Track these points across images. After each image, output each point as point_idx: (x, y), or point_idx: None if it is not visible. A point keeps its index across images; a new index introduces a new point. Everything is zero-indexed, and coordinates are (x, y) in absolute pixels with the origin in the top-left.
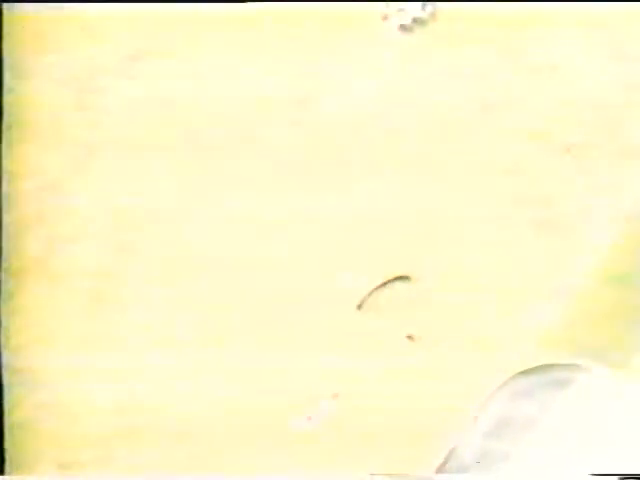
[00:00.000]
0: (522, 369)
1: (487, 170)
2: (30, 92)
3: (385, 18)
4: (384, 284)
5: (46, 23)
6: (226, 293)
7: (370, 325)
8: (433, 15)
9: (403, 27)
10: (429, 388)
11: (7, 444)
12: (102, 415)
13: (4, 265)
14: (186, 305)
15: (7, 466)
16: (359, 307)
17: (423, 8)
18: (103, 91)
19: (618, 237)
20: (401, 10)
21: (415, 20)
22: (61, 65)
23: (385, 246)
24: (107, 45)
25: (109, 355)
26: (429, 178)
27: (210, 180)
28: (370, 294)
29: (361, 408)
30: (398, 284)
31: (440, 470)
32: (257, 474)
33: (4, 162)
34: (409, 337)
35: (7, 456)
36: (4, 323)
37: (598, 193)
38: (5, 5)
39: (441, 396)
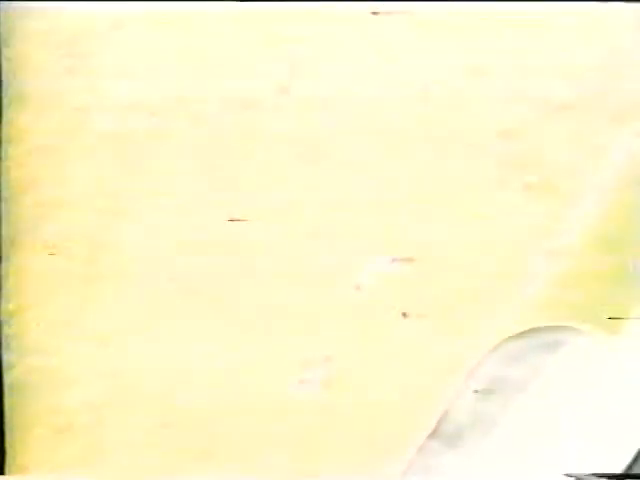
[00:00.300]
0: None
1: (479, 135)
2: (19, 57)
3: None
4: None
5: None
6: (222, 264)
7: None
8: None
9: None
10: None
11: (6, 410)
12: (96, 381)
13: None
14: (181, 274)
15: (7, 433)
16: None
17: None
18: (92, 55)
19: (611, 199)
20: None
21: None
22: (49, 31)
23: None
24: (93, 11)
25: (103, 321)
26: (422, 146)
27: (203, 150)
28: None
29: (353, 372)
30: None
31: (434, 433)
32: (250, 438)
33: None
34: (404, 314)
35: (6, 422)
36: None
37: (589, 156)
38: None
39: (433, 364)
